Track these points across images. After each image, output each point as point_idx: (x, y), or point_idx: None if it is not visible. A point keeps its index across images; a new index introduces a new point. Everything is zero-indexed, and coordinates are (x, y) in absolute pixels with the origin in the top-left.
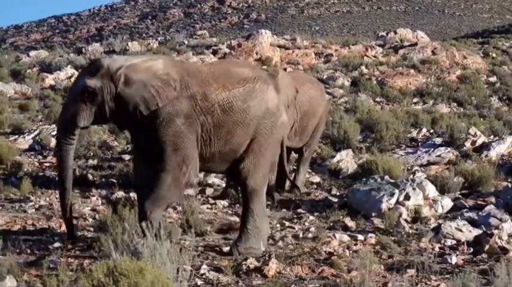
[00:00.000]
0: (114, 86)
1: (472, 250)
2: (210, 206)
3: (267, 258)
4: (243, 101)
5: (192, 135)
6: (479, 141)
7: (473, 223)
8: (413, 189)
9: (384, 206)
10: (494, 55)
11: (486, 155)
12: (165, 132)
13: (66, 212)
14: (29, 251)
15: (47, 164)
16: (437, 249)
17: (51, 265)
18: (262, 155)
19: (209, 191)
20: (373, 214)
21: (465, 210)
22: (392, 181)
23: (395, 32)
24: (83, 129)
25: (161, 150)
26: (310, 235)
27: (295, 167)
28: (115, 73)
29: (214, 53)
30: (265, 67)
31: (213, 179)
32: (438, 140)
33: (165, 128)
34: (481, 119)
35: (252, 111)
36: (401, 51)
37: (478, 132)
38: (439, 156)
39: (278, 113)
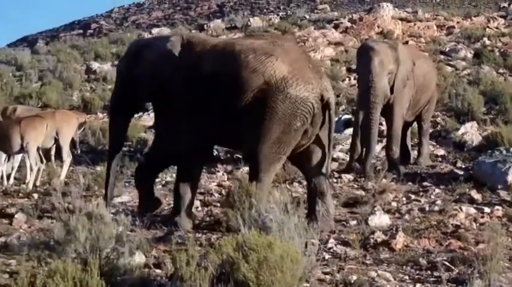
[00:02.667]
0: (134, 66)
1: None
2: (335, 180)
3: (394, 231)
4: (233, 72)
5: (185, 109)
6: None
7: None
8: None
9: (510, 178)
10: None
11: None
12: (160, 111)
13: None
14: (157, 226)
15: None
16: None
17: (179, 241)
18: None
19: (334, 165)
20: (499, 186)
21: None
22: None
23: None
24: (128, 113)
25: (157, 124)
26: (436, 208)
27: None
28: (135, 54)
29: (336, 27)
30: (386, 40)
31: (338, 153)
32: None
33: (161, 106)
34: None
35: (245, 83)
36: None
37: None
38: None
39: (282, 87)
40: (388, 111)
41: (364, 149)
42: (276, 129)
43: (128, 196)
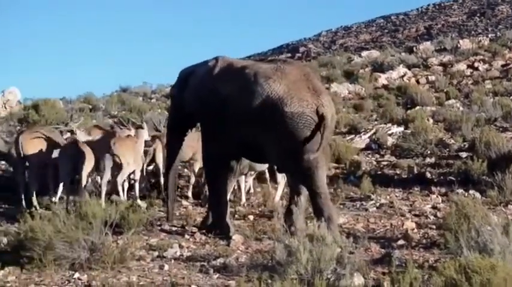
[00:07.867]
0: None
1: None
2: None
3: None
4: (241, 93)
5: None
6: None
7: None
8: None
9: None
10: None
11: None
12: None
13: None
14: (374, 248)
15: (385, 163)
16: None
17: (398, 263)
18: None
19: None
20: None
21: None
22: None
23: None
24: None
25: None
26: None
27: None
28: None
29: None
30: None
31: None
32: None
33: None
34: None
35: (249, 104)
36: None
37: None
38: None
39: (278, 106)
40: None
41: None
42: (286, 142)
43: (344, 218)
